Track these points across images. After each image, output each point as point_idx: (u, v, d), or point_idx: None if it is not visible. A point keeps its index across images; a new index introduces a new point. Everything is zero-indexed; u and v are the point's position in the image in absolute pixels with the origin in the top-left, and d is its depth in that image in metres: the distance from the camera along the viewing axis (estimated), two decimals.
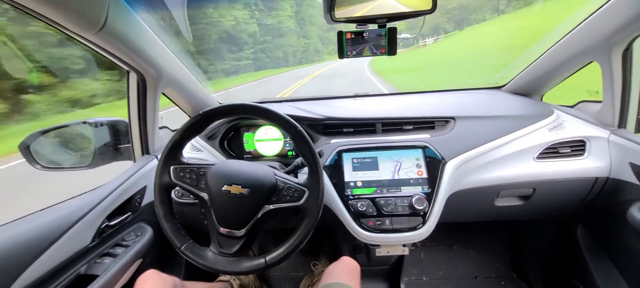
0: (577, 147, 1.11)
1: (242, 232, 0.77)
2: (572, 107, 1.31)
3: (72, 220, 0.81)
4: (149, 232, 1.04)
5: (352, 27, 0.89)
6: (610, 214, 1.09)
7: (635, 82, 1.02)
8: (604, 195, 1.11)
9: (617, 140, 1.05)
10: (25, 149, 0.96)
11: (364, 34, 0.90)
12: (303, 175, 1.10)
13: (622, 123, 1.08)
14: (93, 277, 0.82)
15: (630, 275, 1.05)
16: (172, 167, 0.82)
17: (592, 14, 0.98)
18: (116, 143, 1.13)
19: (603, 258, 1.15)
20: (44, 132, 1.01)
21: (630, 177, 0.99)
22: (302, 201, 0.78)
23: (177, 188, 0.83)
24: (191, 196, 1.13)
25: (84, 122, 1.07)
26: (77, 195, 0.91)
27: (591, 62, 1.10)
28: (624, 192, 1.02)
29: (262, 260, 0.77)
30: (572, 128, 1.14)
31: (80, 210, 0.84)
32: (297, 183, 0.81)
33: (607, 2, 0.92)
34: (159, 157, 0.83)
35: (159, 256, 1.13)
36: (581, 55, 1.09)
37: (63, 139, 1.08)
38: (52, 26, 0.69)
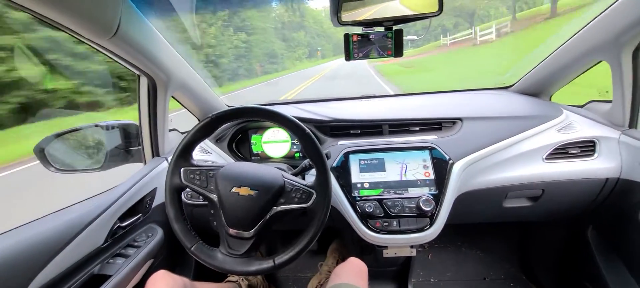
0: (587, 148, 1.10)
1: (250, 233, 0.79)
2: (581, 107, 1.29)
3: (85, 221, 0.83)
4: (159, 233, 1.05)
5: (359, 30, 0.89)
6: (622, 215, 1.07)
7: None
8: (614, 196, 1.09)
9: (627, 141, 1.04)
10: (40, 152, 0.99)
11: (371, 36, 0.90)
12: (311, 176, 1.11)
13: (632, 123, 1.06)
14: (106, 277, 0.84)
15: None
16: (182, 169, 0.84)
17: (601, 13, 0.97)
18: (127, 146, 1.15)
19: (614, 260, 1.13)
20: (58, 135, 1.03)
21: None
22: (310, 203, 0.79)
23: (187, 189, 0.85)
24: (201, 197, 1.15)
25: (96, 125, 1.09)
26: (90, 197, 0.93)
27: (600, 61, 1.09)
28: (635, 193, 1.01)
29: (270, 262, 0.78)
30: (582, 128, 1.12)
31: (93, 211, 0.86)
32: (305, 185, 0.81)
33: (617, 0, 0.91)
34: (170, 159, 0.85)
35: (170, 257, 1.15)
36: (590, 54, 1.08)
37: (76, 142, 1.10)
38: (68, 33, 0.71)
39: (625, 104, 1.05)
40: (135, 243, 0.98)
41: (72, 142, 1.10)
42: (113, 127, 1.11)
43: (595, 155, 1.09)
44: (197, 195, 1.15)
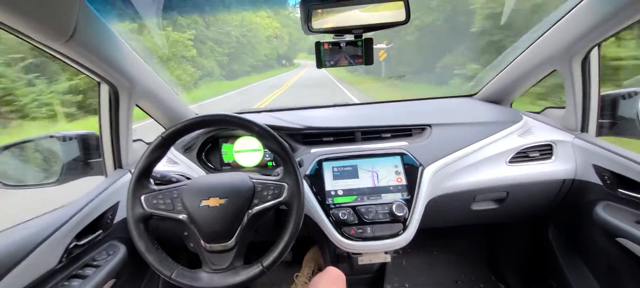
0: (545, 151, 1.17)
1: (231, 242, 0.76)
2: (539, 113, 1.38)
3: (36, 240, 0.75)
4: (122, 251, 0.98)
5: (330, 37, 0.90)
6: (578, 214, 1.14)
7: (594, 89, 1.10)
8: (571, 196, 1.16)
9: (580, 144, 1.12)
10: None
11: (341, 44, 0.91)
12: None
13: (584, 127, 1.15)
14: None
15: (599, 272, 1.10)
16: (142, 197, 0.79)
17: (553, 26, 1.05)
18: (86, 157, 1.08)
19: (574, 257, 1.20)
20: (7, 147, 0.95)
21: (594, 178, 1.05)
22: (284, 196, 0.78)
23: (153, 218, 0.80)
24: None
25: (51, 136, 1.02)
26: (42, 214, 0.86)
27: (554, 70, 1.17)
28: (589, 193, 1.08)
29: (258, 266, 0.76)
30: (540, 133, 1.20)
31: (45, 230, 0.79)
32: (275, 180, 0.80)
33: (567, 13, 0.99)
34: (133, 171, 0.80)
35: (133, 275, 1.07)
36: (545, 64, 1.16)
37: (28, 154, 1.02)
38: (17, 36, 0.65)
39: (577, 110, 1.13)
40: (94, 263, 0.91)
41: (23, 154, 1.01)
42: (70, 138, 1.04)
43: (553, 157, 1.16)
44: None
